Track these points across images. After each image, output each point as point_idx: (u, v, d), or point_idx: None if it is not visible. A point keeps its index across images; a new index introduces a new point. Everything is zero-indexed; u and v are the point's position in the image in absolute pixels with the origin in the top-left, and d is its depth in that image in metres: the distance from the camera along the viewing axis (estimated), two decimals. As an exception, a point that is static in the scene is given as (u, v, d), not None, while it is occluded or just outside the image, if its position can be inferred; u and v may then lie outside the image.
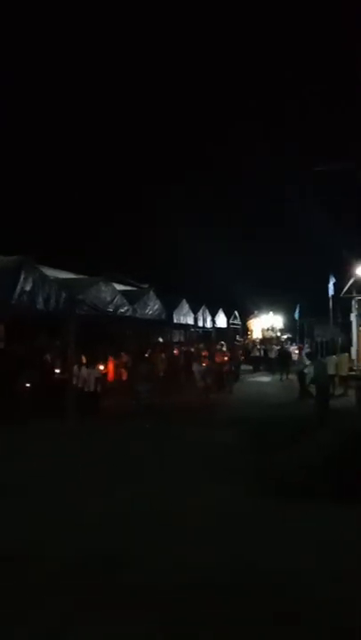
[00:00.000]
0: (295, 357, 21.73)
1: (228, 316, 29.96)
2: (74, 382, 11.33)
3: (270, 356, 24.84)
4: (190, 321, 20.96)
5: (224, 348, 22.50)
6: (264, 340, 33.84)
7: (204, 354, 19.60)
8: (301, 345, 29.95)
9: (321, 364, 12.94)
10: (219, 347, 24.30)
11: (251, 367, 26.04)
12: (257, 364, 26.21)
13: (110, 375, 14.32)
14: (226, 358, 18.49)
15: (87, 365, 11.87)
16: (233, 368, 18.75)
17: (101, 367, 13.50)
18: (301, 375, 14.81)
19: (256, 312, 41.01)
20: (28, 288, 9.83)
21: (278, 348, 24.83)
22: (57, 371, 12.83)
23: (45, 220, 34.67)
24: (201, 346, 23.77)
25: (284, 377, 20.54)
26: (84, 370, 11.64)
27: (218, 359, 17.98)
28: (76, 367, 11.52)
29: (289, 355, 23.40)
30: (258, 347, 28.97)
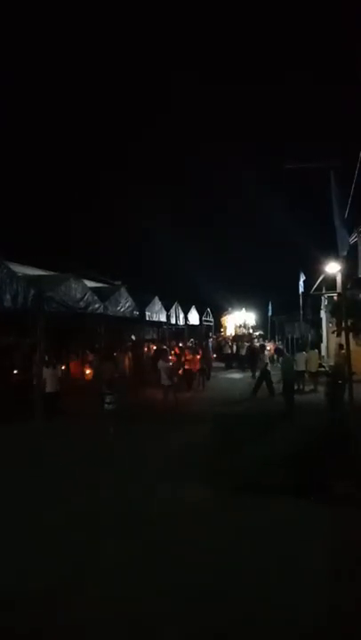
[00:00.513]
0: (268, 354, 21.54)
1: (200, 314, 30.05)
2: (36, 382, 10.83)
3: (241, 353, 24.61)
4: (163, 318, 20.90)
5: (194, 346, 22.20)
6: (236, 337, 33.79)
7: (174, 351, 19.29)
8: (274, 342, 30.38)
9: (287, 360, 13.10)
10: (190, 344, 23.91)
11: (223, 364, 25.88)
12: (229, 361, 25.99)
13: (73, 374, 13.92)
14: (198, 356, 18.01)
15: (48, 365, 11.42)
16: (204, 366, 18.25)
17: (63, 367, 13.23)
18: (265, 373, 15.01)
19: (229, 309, 41.30)
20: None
21: (248, 344, 24.24)
22: (15, 371, 12.48)
23: (12, 215, 33.98)
24: (172, 343, 23.48)
25: (256, 374, 20.50)
26: (45, 370, 11.15)
27: (188, 357, 17.61)
28: (37, 367, 11.03)
29: (258, 352, 23.34)
30: (229, 344, 28.64)
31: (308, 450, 6.78)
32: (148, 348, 21.79)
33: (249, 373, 20.65)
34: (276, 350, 19.11)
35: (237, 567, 4.22)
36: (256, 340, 30.75)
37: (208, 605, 3.65)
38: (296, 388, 15.31)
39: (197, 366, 17.36)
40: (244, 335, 34.68)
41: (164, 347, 21.19)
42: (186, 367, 16.81)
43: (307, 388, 15.34)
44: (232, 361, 25.72)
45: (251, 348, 21.79)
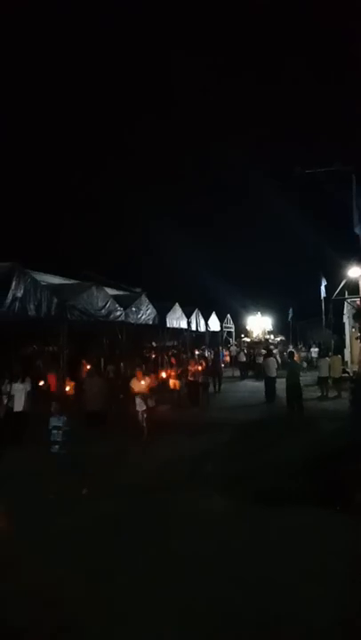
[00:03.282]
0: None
1: (221, 320, 30.00)
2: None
3: (258, 361, 21.73)
4: (184, 325, 20.94)
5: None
6: (251, 344, 31.92)
7: (170, 361, 16.91)
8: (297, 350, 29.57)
9: (293, 365, 13.03)
10: (199, 352, 21.04)
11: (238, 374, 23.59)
12: (244, 369, 23.67)
13: (52, 390, 12.03)
14: (200, 368, 15.51)
15: (16, 379, 9.37)
16: (207, 380, 15.72)
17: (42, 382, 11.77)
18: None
19: (251, 315, 41.05)
20: (19, 294, 9.76)
21: (264, 352, 21.04)
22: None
23: (31, 223, 34.67)
24: (172, 351, 20.52)
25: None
26: (15, 385, 9.25)
27: (192, 368, 15.08)
28: (7, 382, 9.33)
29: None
30: (244, 351, 25.95)
31: (329, 457, 6.69)
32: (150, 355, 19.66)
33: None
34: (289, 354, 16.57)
35: (255, 578, 4.17)
36: (275, 347, 29.92)
37: (226, 623, 3.61)
38: (320, 394, 15.19)
39: (201, 380, 14.99)
40: (261, 342, 33.36)
41: (149, 355, 18.96)
42: (190, 379, 14.70)
43: (330, 394, 15.11)
44: (247, 370, 23.54)
45: (267, 356, 19.24)
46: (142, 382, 10.02)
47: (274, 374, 14.90)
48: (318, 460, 6.35)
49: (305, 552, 4.60)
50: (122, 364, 13.83)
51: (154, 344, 21.92)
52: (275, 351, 26.78)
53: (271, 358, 14.72)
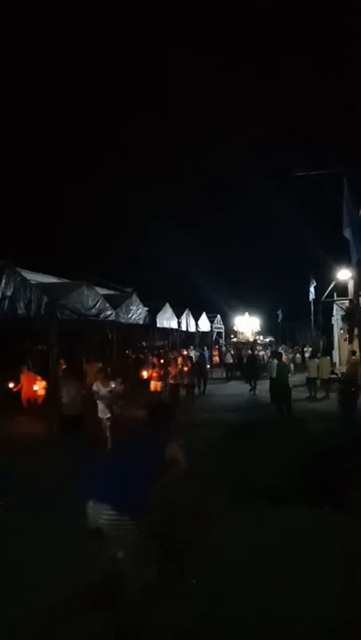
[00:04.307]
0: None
1: (211, 320, 30.08)
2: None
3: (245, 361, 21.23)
4: (174, 325, 20.96)
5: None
6: (238, 345, 31.77)
7: (152, 362, 15.99)
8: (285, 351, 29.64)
9: (281, 367, 13.00)
10: (184, 353, 19.70)
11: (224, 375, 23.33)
12: (231, 371, 23.33)
13: (24, 392, 11.67)
14: (186, 369, 14.81)
15: None
16: (192, 381, 14.75)
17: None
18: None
19: (239, 315, 41.19)
20: (9, 293, 9.69)
21: (249, 353, 21.11)
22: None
23: (22, 221, 34.45)
24: (155, 352, 19.73)
25: (253, 387, 16.97)
26: None
27: (173, 370, 14.37)
28: None
29: (258, 360, 20.30)
30: (231, 352, 25.63)
31: (320, 457, 6.74)
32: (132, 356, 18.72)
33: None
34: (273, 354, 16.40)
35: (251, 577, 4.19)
36: (263, 349, 29.90)
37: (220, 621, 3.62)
38: (308, 394, 15.30)
39: (187, 381, 14.31)
40: (247, 342, 33.18)
41: (141, 356, 17.90)
42: (172, 382, 14.10)
43: (319, 395, 15.24)
44: (234, 371, 23.03)
45: (251, 357, 19.14)
46: (107, 386, 8.79)
47: (287, 376, 13.74)
48: (312, 460, 6.39)
49: (303, 551, 4.62)
50: (100, 364, 12.53)
51: (144, 344, 21.91)
52: (262, 353, 26.88)
53: (275, 359, 13.96)
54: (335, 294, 22.08)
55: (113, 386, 8.83)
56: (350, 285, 16.73)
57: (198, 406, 13.77)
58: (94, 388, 8.76)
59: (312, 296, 26.12)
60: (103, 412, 8.59)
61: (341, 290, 21.13)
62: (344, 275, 19.55)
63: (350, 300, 16.84)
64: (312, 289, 25.95)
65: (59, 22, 54.26)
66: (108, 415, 8.55)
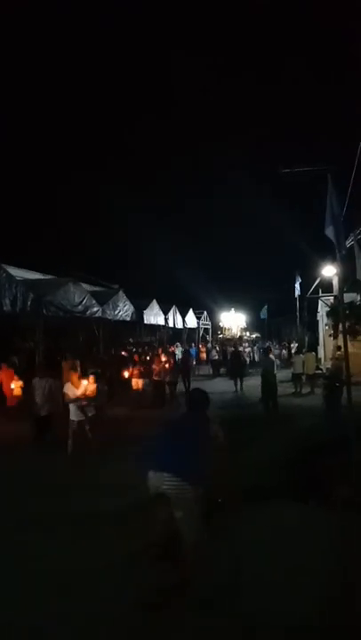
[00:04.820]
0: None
1: (198, 317, 30.18)
2: None
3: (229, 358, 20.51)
4: (161, 321, 20.97)
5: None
6: (223, 341, 31.25)
7: (134, 359, 15.53)
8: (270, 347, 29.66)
9: (268, 362, 12.99)
10: (168, 350, 19.26)
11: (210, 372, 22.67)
12: (216, 367, 22.75)
13: (4, 389, 10.94)
14: (167, 366, 14.47)
15: None
16: (175, 378, 14.51)
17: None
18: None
19: (226, 312, 41.28)
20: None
21: (232, 349, 20.51)
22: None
23: (8, 217, 34.03)
24: (141, 348, 19.00)
25: (240, 384, 16.38)
26: None
27: (157, 367, 14.04)
28: None
29: (242, 357, 19.24)
30: (216, 348, 25.10)
31: (306, 453, 6.83)
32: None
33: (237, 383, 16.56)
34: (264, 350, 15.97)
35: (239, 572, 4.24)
36: (249, 345, 29.89)
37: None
38: (294, 390, 15.46)
39: (169, 379, 14.06)
40: (233, 338, 32.87)
41: (123, 353, 17.28)
42: (155, 379, 13.73)
43: (304, 391, 15.41)
44: (219, 368, 22.58)
45: (235, 353, 18.31)
46: (79, 386, 8.02)
47: (273, 373, 13.14)
48: (297, 455, 6.46)
49: (294, 547, 4.64)
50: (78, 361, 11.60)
51: (131, 340, 21.89)
52: (248, 349, 26.85)
53: (271, 356, 13.62)
54: (320, 290, 22.30)
55: (86, 384, 8.09)
56: (335, 282, 16.91)
57: (179, 405, 12.72)
58: (65, 388, 8.09)
59: (298, 292, 26.36)
60: (75, 415, 7.89)
61: (326, 286, 21.34)
62: (329, 271, 19.74)
63: (335, 297, 17.02)
64: (297, 285, 26.19)
65: (59, 22, 53.59)
66: (82, 418, 7.86)
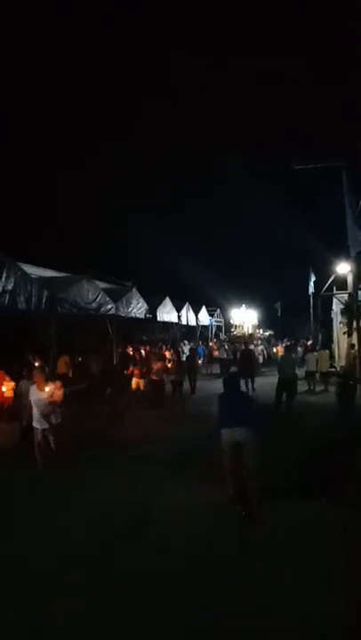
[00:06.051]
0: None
1: (210, 314, 30.13)
2: None
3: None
4: (174, 319, 21.00)
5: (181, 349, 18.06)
6: (233, 339, 30.53)
7: (136, 357, 14.97)
8: (282, 343, 29.46)
9: (290, 360, 12.66)
10: (175, 348, 18.61)
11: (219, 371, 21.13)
12: (225, 366, 20.88)
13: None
14: (169, 365, 13.62)
15: None
16: (179, 378, 13.41)
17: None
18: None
19: (235, 308, 40.93)
20: (9, 287, 9.70)
21: (243, 348, 19.30)
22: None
23: (22, 214, 34.36)
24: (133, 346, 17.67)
25: (249, 385, 14.99)
26: None
27: (156, 366, 12.98)
28: None
29: (252, 355, 17.83)
30: (225, 347, 23.88)
31: (317, 451, 6.80)
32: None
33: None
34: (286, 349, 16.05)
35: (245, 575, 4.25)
36: (261, 343, 29.34)
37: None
38: (307, 388, 15.36)
39: (173, 378, 13.30)
40: (244, 336, 31.98)
41: (128, 350, 15.66)
42: (153, 378, 12.74)
43: (317, 389, 15.31)
44: (228, 367, 20.41)
45: (245, 352, 17.02)
46: (44, 390, 7.10)
47: (295, 371, 12.54)
48: (310, 454, 6.44)
49: (306, 545, 4.63)
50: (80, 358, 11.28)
51: (144, 338, 21.97)
52: (260, 347, 26.45)
53: (290, 353, 12.94)
54: (334, 288, 22.07)
55: (52, 387, 7.18)
56: (349, 279, 16.71)
57: (183, 407, 12.48)
58: (30, 394, 7.18)
59: (311, 290, 26.14)
60: (39, 422, 7.02)
61: (341, 283, 21.09)
62: (343, 268, 19.51)
63: (349, 294, 16.84)
64: (311, 283, 25.97)
65: (59, 22, 53.79)
66: (45, 426, 7.00)
